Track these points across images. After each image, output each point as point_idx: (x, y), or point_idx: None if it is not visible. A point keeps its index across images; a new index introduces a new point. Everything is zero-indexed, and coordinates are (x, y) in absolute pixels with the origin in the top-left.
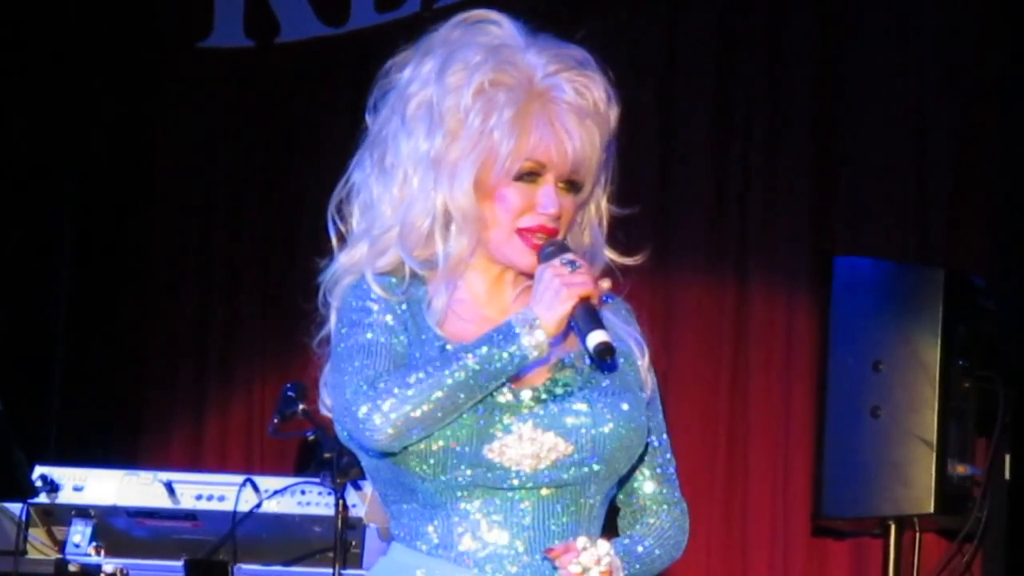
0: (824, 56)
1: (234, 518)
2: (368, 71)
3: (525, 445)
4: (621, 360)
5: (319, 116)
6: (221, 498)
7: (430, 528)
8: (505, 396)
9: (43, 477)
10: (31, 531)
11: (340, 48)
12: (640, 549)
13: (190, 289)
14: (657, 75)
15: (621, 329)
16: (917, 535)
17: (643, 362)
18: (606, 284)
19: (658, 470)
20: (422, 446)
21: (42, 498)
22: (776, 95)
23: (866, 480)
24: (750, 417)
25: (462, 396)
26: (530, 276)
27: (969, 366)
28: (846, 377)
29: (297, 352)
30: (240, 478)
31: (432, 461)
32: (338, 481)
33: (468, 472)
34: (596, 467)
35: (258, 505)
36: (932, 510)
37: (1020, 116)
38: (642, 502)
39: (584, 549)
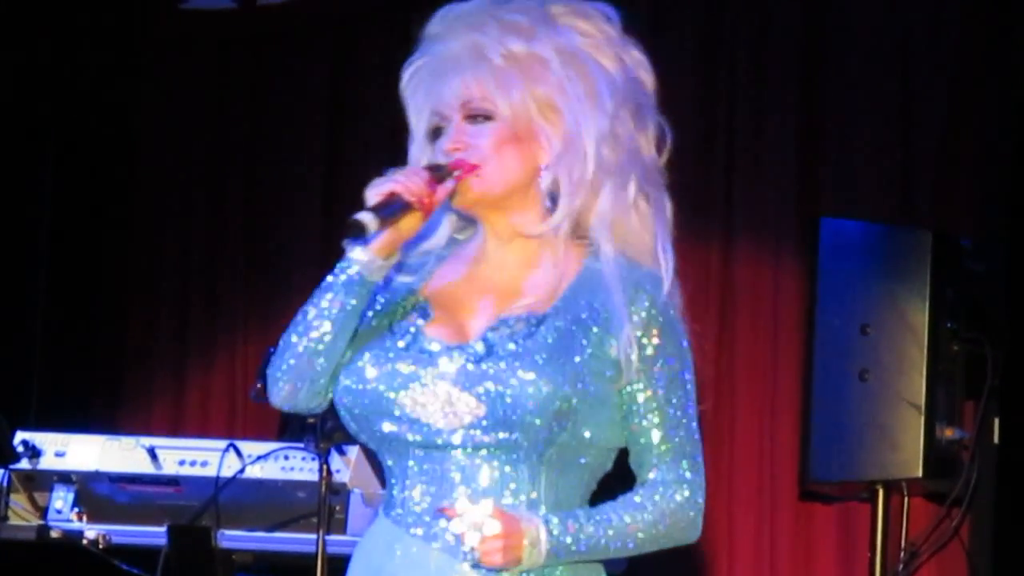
0: (810, 17)
1: (217, 483)
2: (350, 33)
3: (443, 403)
4: (574, 327)
5: (302, 78)
6: (204, 463)
7: (388, 487)
8: (433, 350)
9: (25, 443)
10: (12, 497)
11: (324, 10)
12: (598, 518)
13: (171, 253)
14: (641, 37)
15: (606, 293)
16: (905, 499)
17: (621, 336)
18: (427, 190)
19: (652, 452)
20: (348, 400)
21: (24, 464)
22: (762, 57)
23: (854, 444)
24: (736, 380)
25: (319, 324)
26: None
27: (957, 329)
28: (833, 340)
29: (279, 316)
30: (223, 443)
31: (357, 414)
32: (321, 446)
33: (393, 427)
34: (510, 432)
35: (241, 470)
36: (920, 474)
37: (1007, 77)
38: (641, 478)
39: (465, 510)
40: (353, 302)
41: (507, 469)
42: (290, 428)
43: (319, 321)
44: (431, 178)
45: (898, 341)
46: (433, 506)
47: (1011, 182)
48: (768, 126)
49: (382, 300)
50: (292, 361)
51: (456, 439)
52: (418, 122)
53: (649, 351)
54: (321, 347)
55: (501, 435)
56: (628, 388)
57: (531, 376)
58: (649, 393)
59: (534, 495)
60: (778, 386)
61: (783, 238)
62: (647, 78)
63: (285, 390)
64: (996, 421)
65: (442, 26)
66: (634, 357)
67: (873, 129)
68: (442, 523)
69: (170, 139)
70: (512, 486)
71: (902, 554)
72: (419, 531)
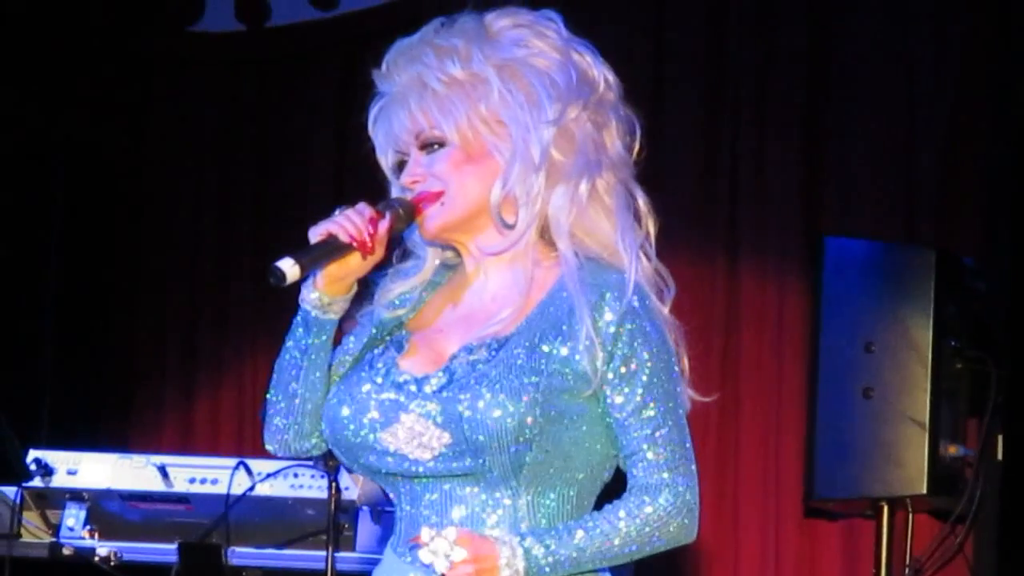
0: (814, 35)
1: (227, 501)
2: (358, 54)
3: (414, 434)
4: (536, 346)
5: (310, 100)
6: (214, 481)
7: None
8: (402, 382)
9: (37, 461)
10: (25, 514)
11: (331, 32)
12: (581, 531)
13: (181, 272)
14: (646, 56)
15: (574, 299)
16: (909, 516)
17: (584, 344)
18: (366, 229)
19: (634, 457)
20: (331, 436)
21: (36, 482)
22: (765, 76)
23: (858, 461)
24: (741, 399)
25: (287, 366)
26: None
27: (960, 347)
28: (838, 358)
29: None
30: (233, 461)
31: (343, 449)
32: (331, 464)
33: (373, 459)
34: (477, 457)
35: (251, 488)
36: (924, 491)
37: (1009, 96)
38: (630, 483)
39: (432, 539)
40: (312, 341)
41: (486, 494)
42: None
43: (286, 363)
44: (373, 216)
45: (902, 359)
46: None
47: (1013, 201)
48: (772, 146)
49: (369, 335)
50: (273, 406)
51: (431, 468)
52: (385, 161)
53: (622, 356)
54: (291, 389)
55: (470, 461)
56: (607, 397)
57: (487, 402)
58: (628, 399)
59: (520, 517)
60: (783, 404)
61: (787, 257)
62: (600, 75)
63: (275, 437)
64: (999, 438)
65: (388, 65)
66: (600, 364)
67: (876, 149)
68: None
69: (179, 161)
70: (494, 510)
71: (906, 570)
72: (410, 560)
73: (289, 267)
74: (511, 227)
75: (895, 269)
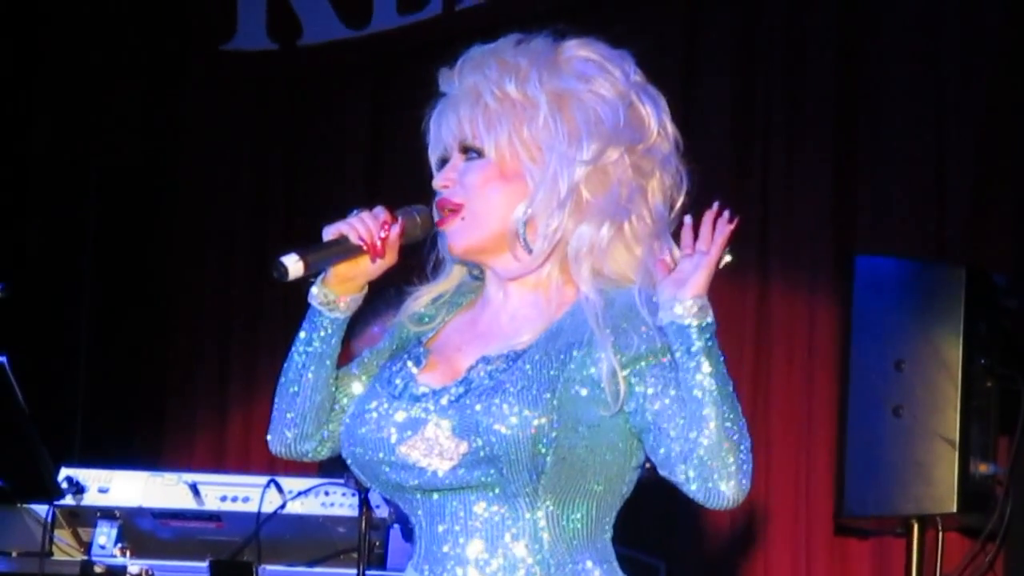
0: (845, 52)
1: (258, 519)
2: (390, 73)
3: (432, 446)
4: (553, 355)
5: (341, 117)
6: (245, 499)
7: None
8: (420, 395)
9: (68, 479)
10: (57, 532)
11: (362, 50)
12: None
13: (213, 290)
14: (676, 74)
15: (594, 331)
16: (939, 534)
17: (602, 364)
18: (377, 233)
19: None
20: (348, 452)
21: (68, 499)
22: (796, 93)
23: (888, 479)
24: (771, 416)
25: (292, 363)
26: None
27: (991, 365)
28: (868, 376)
29: None
30: (264, 479)
31: (363, 465)
32: (361, 482)
33: (392, 475)
34: (495, 466)
35: (282, 506)
36: (955, 509)
37: None
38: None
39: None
40: (314, 336)
41: (505, 507)
42: (330, 464)
43: (292, 360)
44: (387, 220)
45: (932, 377)
46: (436, 548)
47: None
48: (803, 163)
49: (390, 351)
50: (277, 404)
51: (449, 480)
52: (431, 159)
53: (652, 365)
54: (296, 387)
55: (488, 470)
56: (635, 410)
57: (503, 409)
58: (661, 403)
59: (540, 529)
60: (813, 422)
61: (818, 275)
62: (656, 125)
63: (276, 436)
64: None
65: (458, 67)
66: (623, 388)
67: (907, 166)
68: (448, 564)
69: (212, 178)
70: (514, 523)
71: None
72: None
73: (292, 263)
74: (530, 252)
75: (926, 287)
